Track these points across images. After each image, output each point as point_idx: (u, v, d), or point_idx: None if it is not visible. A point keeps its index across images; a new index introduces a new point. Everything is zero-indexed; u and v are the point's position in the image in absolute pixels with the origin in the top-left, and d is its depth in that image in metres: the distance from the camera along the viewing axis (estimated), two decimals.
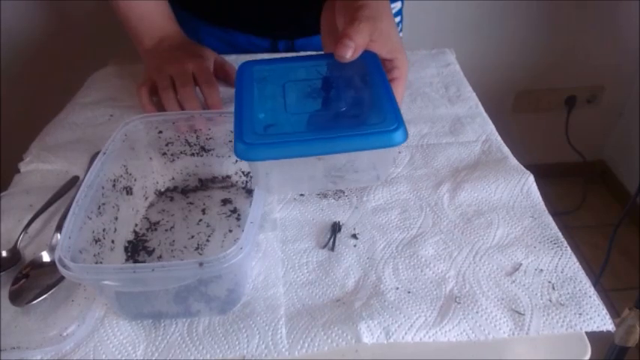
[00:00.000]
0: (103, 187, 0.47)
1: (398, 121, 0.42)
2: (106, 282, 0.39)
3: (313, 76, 0.50)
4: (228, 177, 0.59)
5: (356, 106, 0.46)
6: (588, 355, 0.41)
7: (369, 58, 0.49)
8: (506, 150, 0.62)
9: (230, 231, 0.53)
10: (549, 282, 0.46)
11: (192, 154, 0.57)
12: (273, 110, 0.46)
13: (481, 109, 0.70)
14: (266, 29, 0.83)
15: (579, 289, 0.45)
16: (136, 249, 0.50)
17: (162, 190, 0.58)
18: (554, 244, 0.49)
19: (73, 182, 0.58)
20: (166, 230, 0.53)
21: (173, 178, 0.58)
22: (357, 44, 0.47)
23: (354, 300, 0.45)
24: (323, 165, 0.46)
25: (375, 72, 0.48)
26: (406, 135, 0.42)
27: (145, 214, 0.55)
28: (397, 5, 0.86)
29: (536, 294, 0.44)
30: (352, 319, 0.43)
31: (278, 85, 0.49)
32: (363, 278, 0.47)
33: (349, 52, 0.46)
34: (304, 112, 0.46)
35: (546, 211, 0.53)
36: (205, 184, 0.59)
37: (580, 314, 0.43)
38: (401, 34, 0.91)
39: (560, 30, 1.57)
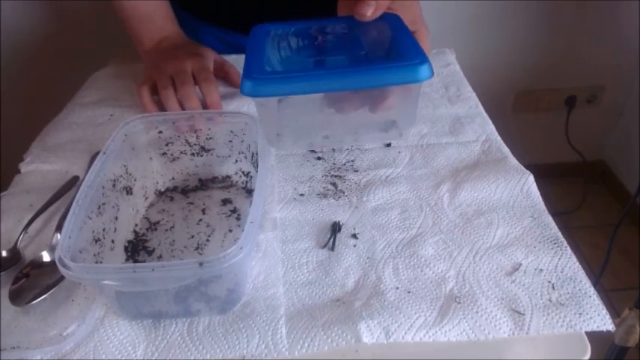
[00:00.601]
0: (103, 187, 0.47)
1: (422, 57, 0.38)
2: (106, 282, 0.39)
3: (331, 31, 0.46)
4: (228, 177, 0.59)
5: (377, 50, 0.42)
6: (588, 355, 0.41)
7: (391, 19, 0.46)
8: (506, 150, 0.62)
9: (230, 231, 0.53)
10: (549, 282, 0.46)
11: (192, 154, 0.57)
12: (286, 54, 0.42)
13: (481, 109, 0.70)
14: None
15: (579, 289, 0.45)
16: (136, 249, 0.50)
17: (162, 190, 0.58)
18: (554, 244, 0.49)
19: (73, 182, 0.58)
20: (166, 230, 0.53)
21: (173, 178, 0.58)
22: (378, 3, 0.44)
23: (354, 300, 0.45)
24: (339, 115, 0.42)
25: (398, 29, 0.44)
26: (432, 71, 0.38)
27: (145, 214, 0.55)
28: None
29: (536, 294, 0.44)
30: (352, 319, 0.43)
31: (292, 36, 0.45)
32: (363, 278, 0.47)
33: (370, 10, 0.44)
34: (320, 56, 0.42)
35: (546, 211, 0.53)
36: (205, 184, 0.59)
37: (580, 314, 0.43)
38: None
39: (560, 30, 1.57)
